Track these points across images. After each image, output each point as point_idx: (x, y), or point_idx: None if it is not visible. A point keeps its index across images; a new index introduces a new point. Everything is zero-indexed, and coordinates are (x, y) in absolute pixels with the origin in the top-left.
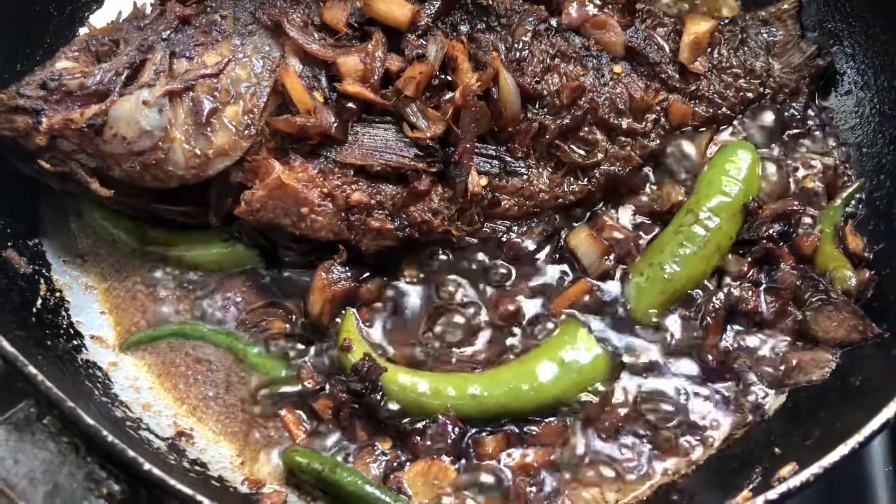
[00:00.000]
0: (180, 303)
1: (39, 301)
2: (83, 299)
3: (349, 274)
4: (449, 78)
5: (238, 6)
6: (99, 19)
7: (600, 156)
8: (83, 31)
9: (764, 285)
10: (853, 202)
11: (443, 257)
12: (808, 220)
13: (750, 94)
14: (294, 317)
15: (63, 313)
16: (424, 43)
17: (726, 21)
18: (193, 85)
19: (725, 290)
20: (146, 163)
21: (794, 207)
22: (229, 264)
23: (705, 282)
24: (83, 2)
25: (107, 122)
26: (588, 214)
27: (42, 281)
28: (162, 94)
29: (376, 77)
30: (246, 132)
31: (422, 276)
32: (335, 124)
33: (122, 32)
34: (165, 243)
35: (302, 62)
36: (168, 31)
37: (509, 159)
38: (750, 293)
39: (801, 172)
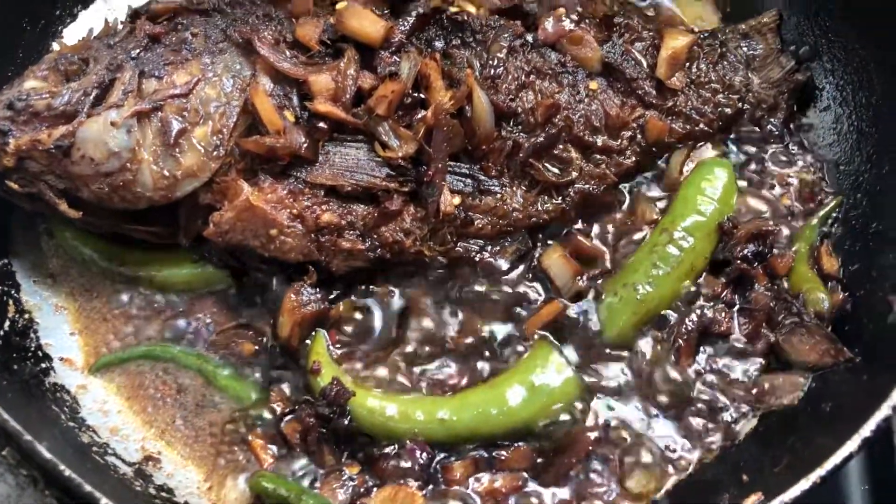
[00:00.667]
0: (150, 323)
1: (7, 323)
2: (53, 320)
3: (319, 295)
4: (422, 96)
5: (209, 24)
6: (72, 33)
7: (575, 174)
8: (56, 45)
9: (737, 306)
10: (829, 221)
11: (414, 277)
12: (783, 238)
13: (728, 110)
14: (264, 338)
15: (31, 335)
16: (398, 60)
17: (705, 35)
18: (162, 105)
19: (698, 311)
20: (114, 184)
21: (769, 228)
22: (199, 284)
23: (678, 302)
24: (56, 16)
25: (74, 143)
26: (562, 233)
27: (11, 302)
28: (130, 114)
29: (348, 96)
30: (215, 153)
31: (393, 294)
32: (305, 144)
33: (91, 50)
34: (136, 263)
35: (273, 80)
36: (137, 50)
37: (482, 178)
38: (723, 315)
39: (777, 190)
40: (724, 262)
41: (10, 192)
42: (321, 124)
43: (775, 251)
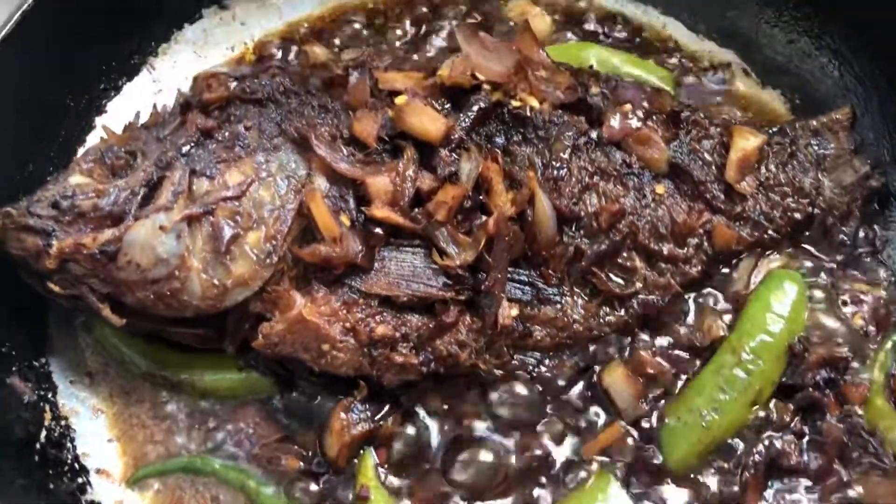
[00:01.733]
0: (191, 432)
1: (43, 434)
2: (90, 426)
3: (368, 413)
4: (482, 199)
5: (263, 116)
6: (117, 107)
7: (639, 285)
8: (100, 127)
9: (807, 437)
10: None
11: (468, 390)
12: (856, 363)
13: (798, 216)
14: (310, 452)
15: (68, 445)
16: (457, 158)
17: (774, 131)
18: (214, 209)
19: (766, 441)
20: (161, 292)
21: (843, 354)
22: (243, 392)
23: (745, 430)
24: (101, 90)
25: (121, 248)
26: (622, 345)
27: (47, 408)
28: (180, 218)
29: (406, 199)
30: (267, 261)
31: (445, 409)
32: (361, 252)
33: (139, 142)
34: (178, 367)
35: (329, 180)
36: (188, 146)
37: (542, 286)
38: (793, 446)
39: (849, 309)
40: (793, 388)
41: (52, 293)
42: (378, 230)
43: (848, 378)
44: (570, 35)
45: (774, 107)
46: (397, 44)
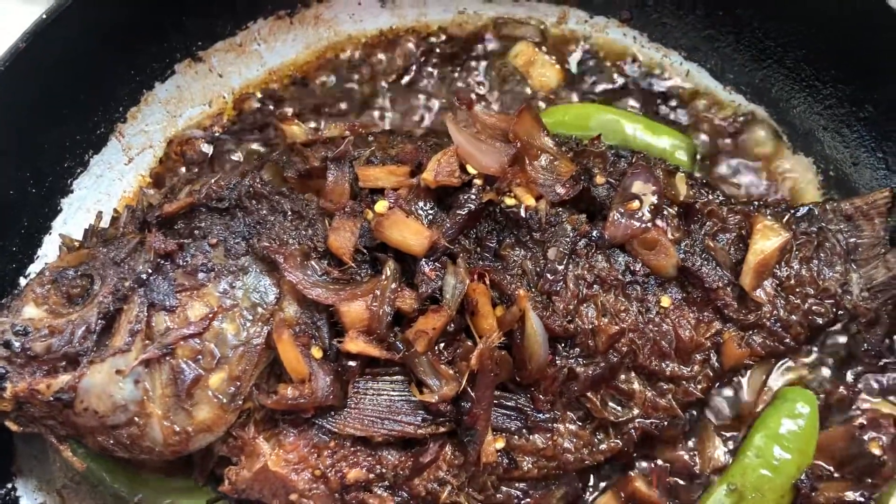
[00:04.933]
0: None
1: None
2: None
3: None
4: (468, 320)
5: (230, 229)
6: (84, 184)
7: (636, 410)
8: (66, 201)
9: None
10: None
11: None
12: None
13: (820, 320)
14: None
15: None
16: (442, 270)
17: (802, 214)
18: (173, 349)
19: None
20: (120, 438)
21: (855, 499)
22: None
23: None
24: (65, 168)
25: (76, 395)
26: (615, 472)
27: None
28: (137, 362)
29: (384, 326)
30: (231, 405)
31: None
32: (332, 393)
33: (96, 263)
34: (151, 492)
35: (300, 306)
36: (147, 272)
37: (531, 412)
38: None
39: (868, 434)
40: None
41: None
42: (351, 363)
43: None
44: (575, 95)
45: (805, 176)
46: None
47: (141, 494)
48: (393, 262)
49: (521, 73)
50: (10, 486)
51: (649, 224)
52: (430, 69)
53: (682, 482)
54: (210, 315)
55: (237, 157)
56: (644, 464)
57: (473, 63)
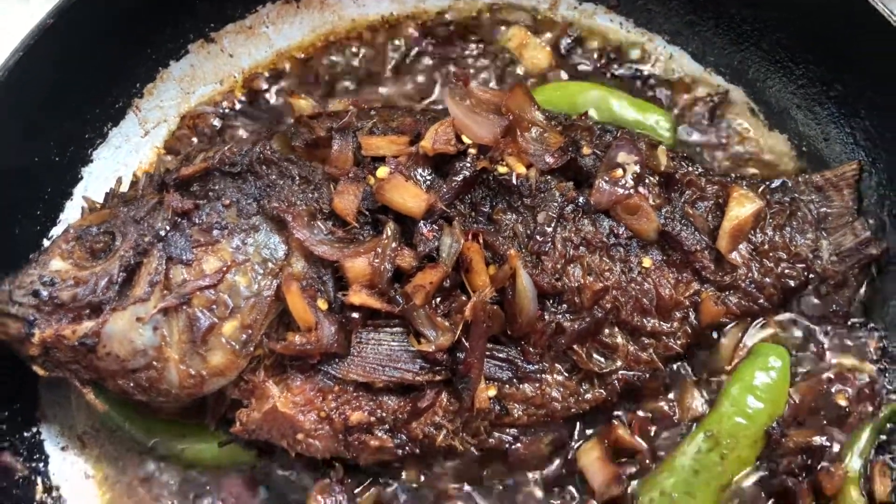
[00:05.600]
0: (177, 500)
1: None
2: (81, 492)
3: (345, 494)
4: (463, 276)
5: (242, 191)
6: (103, 155)
7: (619, 363)
8: (87, 170)
9: None
10: (888, 428)
11: (444, 464)
12: (834, 446)
13: (791, 282)
14: None
15: None
16: (439, 231)
17: (776, 185)
18: (189, 299)
19: None
20: (139, 381)
21: (821, 443)
22: (227, 462)
23: None
24: (86, 139)
25: (100, 340)
26: (600, 420)
27: (39, 480)
28: (156, 310)
29: (385, 280)
30: (243, 350)
31: (422, 479)
32: (337, 341)
33: (117, 221)
34: (165, 436)
35: (307, 261)
36: (165, 229)
37: (521, 363)
38: None
39: (835, 386)
40: (768, 472)
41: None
42: (355, 314)
43: (824, 464)
44: (565, 74)
45: (780, 151)
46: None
47: (157, 439)
48: (393, 223)
49: (514, 55)
50: (34, 429)
51: (632, 191)
52: (429, 51)
53: (662, 430)
54: (224, 268)
55: (243, 134)
56: (627, 414)
57: (469, 46)
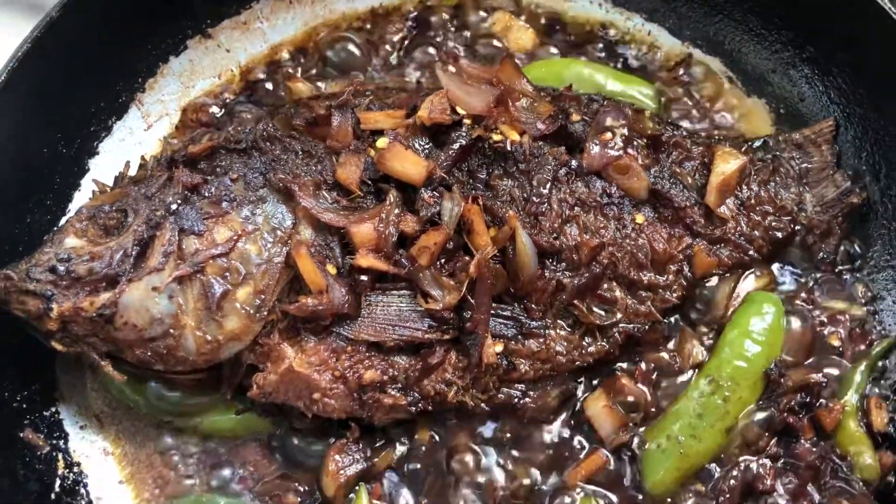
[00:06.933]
0: (196, 471)
1: (58, 483)
2: (101, 468)
3: (361, 454)
4: (465, 238)
5: (248, 166)
6: (109, 147)
7: (619, 315)
8: (93, 162)
9: (782, 460)
10: (881, 364)
11: (456, 421)
12: (831, 384)
13: (779, 234)
14: (306, 488)
15: (82, 491)
16: (440, 198)
17: (758, 145)
18: (203, 267)
19: (742, 465)
20: (157, 349)
21: (817, 380)
22: (244, 432)
23: (722, 454)
24: (91, 132)
25: (117, 310)
26: (605, 372)
27: (60, 457)
28: (171, 279)
29: (390, 244)
30: (257, 315)
31: (436, 440)
32: (347, 302)
33: (129, 199)
34: (181, 409)
35: (315, 229)
36: (175, 203)
37: (525, 320)
38: (767, 470)
39: (826, 329)
40: (769, 413)
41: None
42: (363, 277)
43: (823, 401)
44: (553, 50)
45: (759, 116)
46: (379, 61)
47: (172, 414)
48: (395, 191)
49: (499, 37)
50: (53, 409)
51: (621, 152)
52: (418, 37)
53: (664, 379)
54: (234, 237)
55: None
56: (630, 364)
57: (457, 31)
